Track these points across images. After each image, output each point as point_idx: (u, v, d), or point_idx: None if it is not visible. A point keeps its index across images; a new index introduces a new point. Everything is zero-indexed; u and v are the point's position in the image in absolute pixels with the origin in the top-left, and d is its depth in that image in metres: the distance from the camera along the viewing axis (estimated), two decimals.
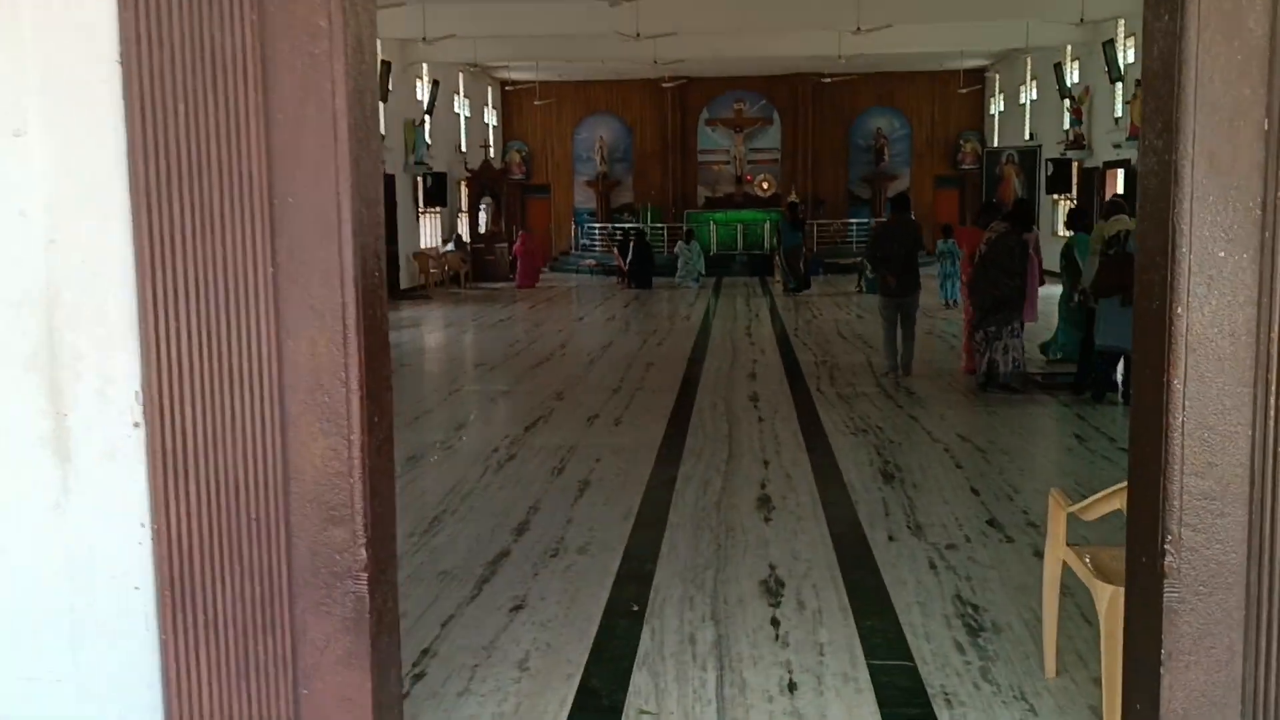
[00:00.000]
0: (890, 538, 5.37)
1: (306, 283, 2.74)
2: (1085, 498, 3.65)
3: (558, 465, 6.99)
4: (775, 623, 4.29)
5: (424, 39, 17.46)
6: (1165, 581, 2.66)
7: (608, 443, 7.66)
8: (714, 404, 9.10)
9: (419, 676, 3.83)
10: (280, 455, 2.77)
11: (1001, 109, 28.87)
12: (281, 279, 2.74)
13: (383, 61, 20.45)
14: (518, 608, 4.49)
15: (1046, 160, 22.82)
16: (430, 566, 5.04)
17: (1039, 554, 4.88)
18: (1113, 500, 3.31)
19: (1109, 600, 3.25)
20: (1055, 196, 23.16)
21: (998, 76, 29.04)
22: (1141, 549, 2.78)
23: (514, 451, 7.42)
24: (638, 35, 17.32)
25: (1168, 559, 2.66)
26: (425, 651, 4.04)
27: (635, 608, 4.47)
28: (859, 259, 20.86)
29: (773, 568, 4.94)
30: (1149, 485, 2.69)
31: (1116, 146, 19.04)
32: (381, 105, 21.35)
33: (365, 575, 2.82)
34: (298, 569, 2.82)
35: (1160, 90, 2.58)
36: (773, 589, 4.67)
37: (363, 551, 2.81)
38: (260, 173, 2.70)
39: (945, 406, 8.88)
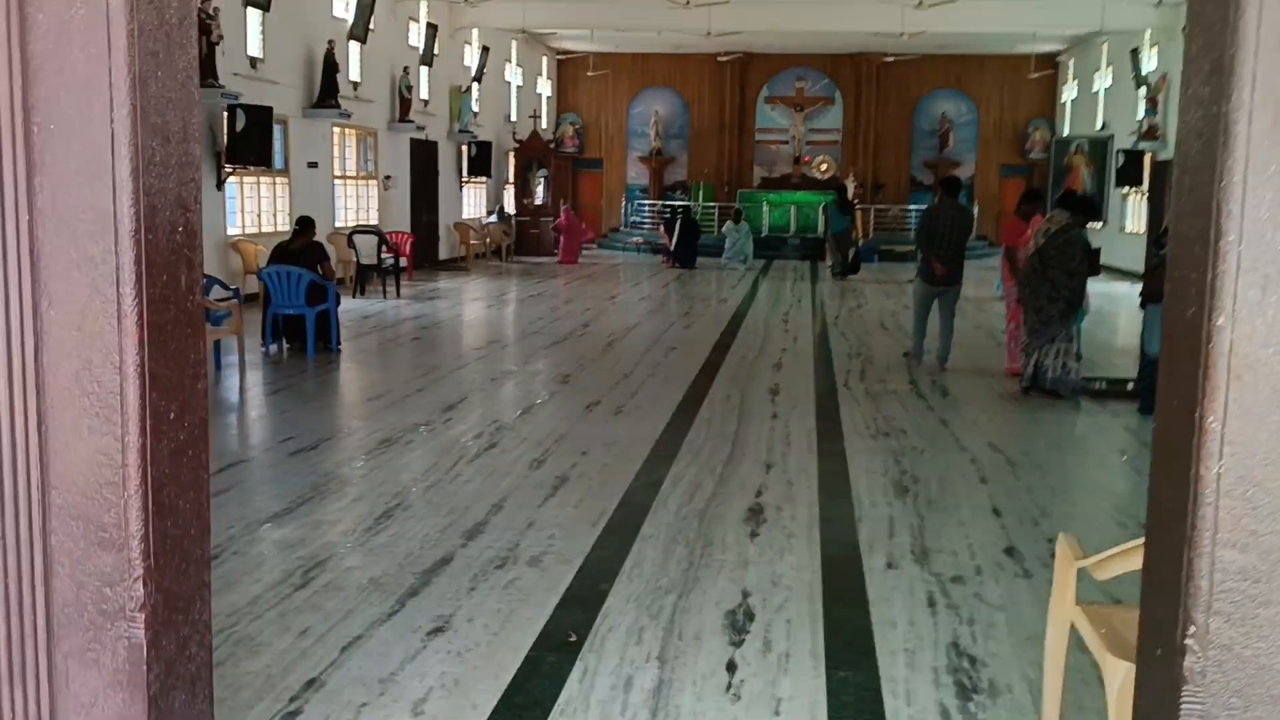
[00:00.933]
0: (889, 564, 4.68)
1: (73, 234, 2.13)
2: (1116, 537, 2.93)
3: (538, 457, 6.37)
4: (731, 668, 3.64)
5: (469, 0, 16.83)
6: (1185, 689, 1.96)
7: (600, 434, 7.02)
8: (728, 395, 8.42)
9: (291, 716, 3.24)
10: (36, 458, 2.17)
11: (1074, 96, 27.61)
12: (41, 228, 2.12)
13: (429, 24, 19.93)
14: (437, 631, 3.88)
15: (1118, 151, 21.64)
16: (359, 573, 4.45)
17: None
18: (1133, 558, 2.60)
19: (1122, 681, 2.55)
20: (1125, 189, 21.99)
21: (1071, 62, 27.76)
22: (1156, 640, 2.08)
23: (496, 439, 6.82)
24: (687, 2, 16.54)
25: (1189, 658, 1.95)
26: (311, 683, 3.45)
27: (572, 637, 3.84)
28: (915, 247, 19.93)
29: (746, 595, 4.28)
30: (1169, 558, 1.98)
31: None
32: (426, 69, 20.90)
33: (142, 615, 2.20)
34: (58, 604, 2.22)
35: (1210, 18, 1.86)
36: (739, 624, 4.00)
37: (139, 585, 2.20)
38: (13, 90, 2.09)
39: (981, 410, 8.11)
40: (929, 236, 9.75)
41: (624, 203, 30.18)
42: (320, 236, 16.01)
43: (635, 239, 27.37)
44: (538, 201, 24.90)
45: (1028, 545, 4.97)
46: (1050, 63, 27.84)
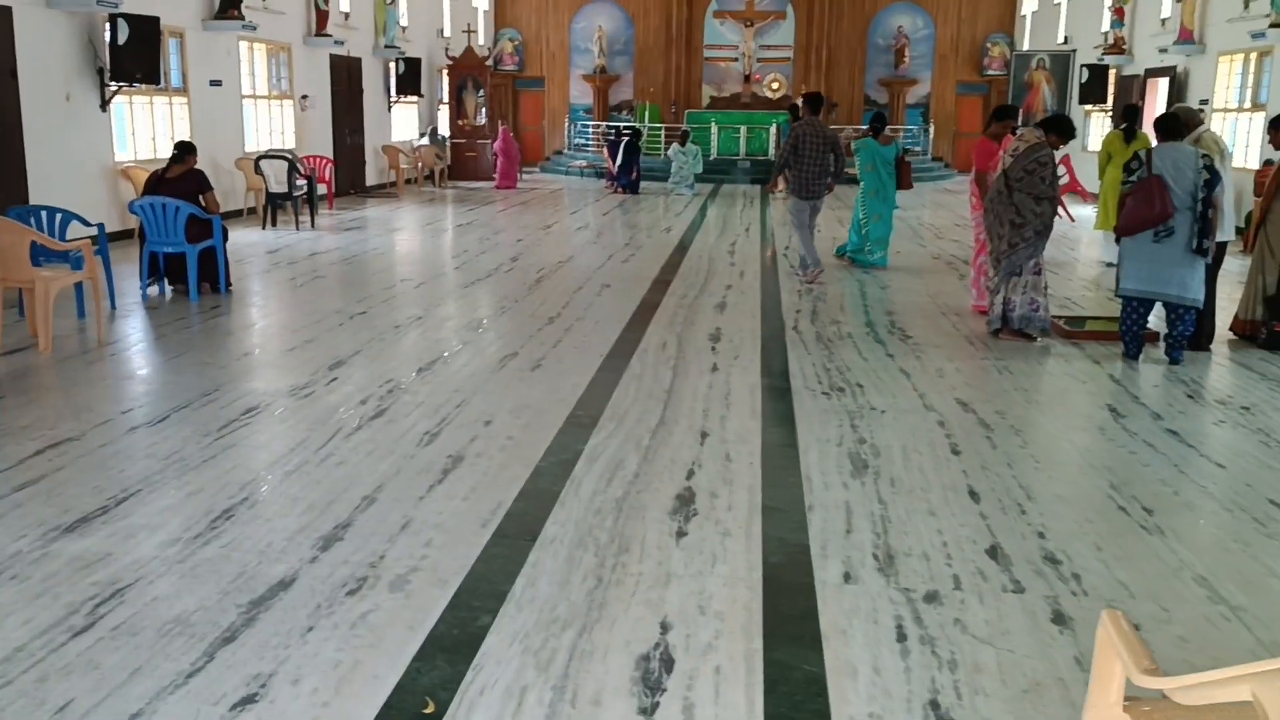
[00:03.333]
0: (847, 576, 3.74)
1: None
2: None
3: (431, 429, 5.36)
4: None
5: None
6: None
7: (511, 396, 6.01)
8: (664, 343, 7.43)
9: None
10: None
11: (1035, 9, 26.49)
12: None
13: None
14: (247, 701, 2.89)
15: (1081, 66, 20.66)
16: (165, 606, 3.44)
17: (1061, 620, 3.28)
18: (1239, 686, 1.65)
19: None
20: (1089, 107, 21.06)
21: None
22: None
23: (385, 405, 5.79)
24: None
25: None
26: None
27: (429, 708, 2.88)
28: None
29: (664, 630, 3.33)
30: None
31: (1162, 51, 16.93)
32: None
33: None
34: None
35: None
36: (653, 677, 3.06)
37: None
38: None
39: (946, 358, 7.20)
40: (795, 154, 9.98)
41: (567, 124, 28.78)
42: (227, 161, 14.70)
43: (579, 162, 26.08)
44: (475, 123, 23.50)
45: (1014, 543, 4.06)
46: None
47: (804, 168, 10.00)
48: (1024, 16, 27.37)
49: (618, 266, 11.21)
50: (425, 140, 22.65)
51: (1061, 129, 7.58)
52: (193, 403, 5.76)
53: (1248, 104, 14.97)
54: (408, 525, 4.13)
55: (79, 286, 7.79)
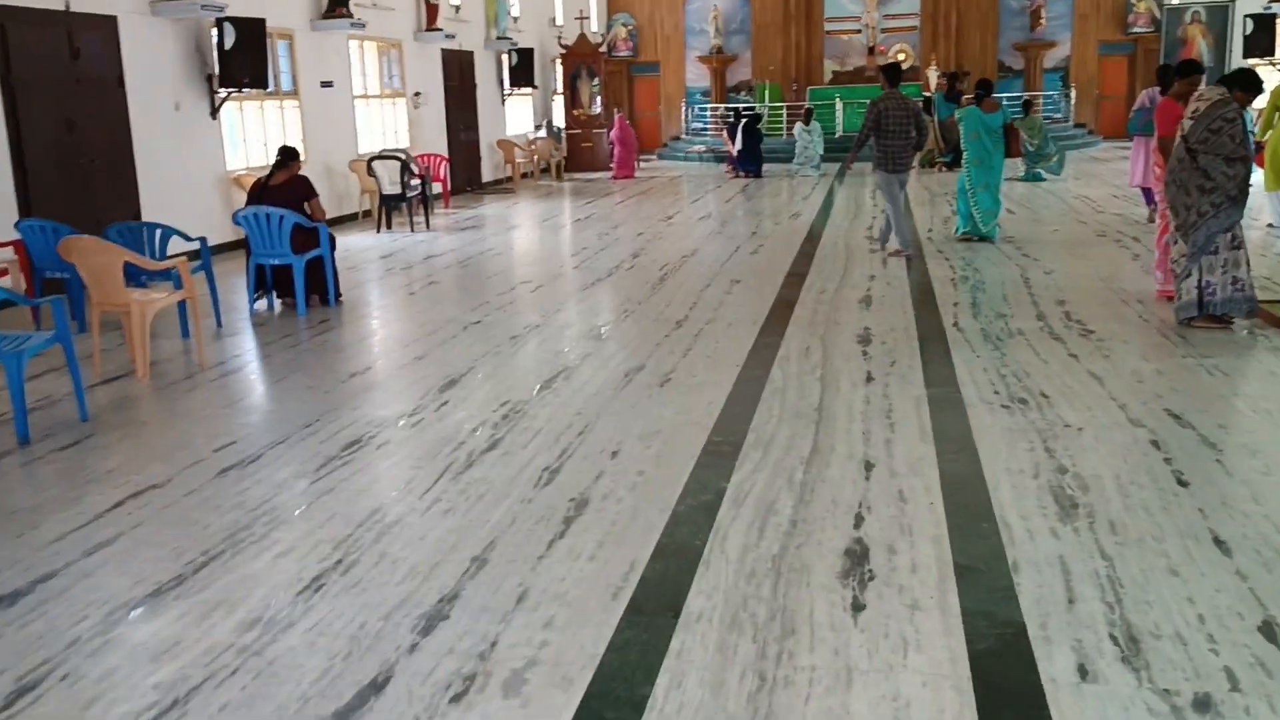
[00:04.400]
0: (1083, 671, 2.90)
1: None
2: None
3: (551, 465, 4.67)
4: None
5: None
6: None
7: (640, 419, 5.29)
8: (807, 348, 6.60)
9: None
10: None
11: None
12: None
13: None
14: None
15: (1245, 17, 18.88)
16: (231, 717, 2.82)
17: None
18: None
19: None
20: (1254, 60, 19.24)
21: None
22: None
23: (500, 434, 5.13)
24: None
25: None
26: None
27: None
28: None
29: None
30: None
31: None
32: None
33: None
34: None
35: None
36: None
37: None
38: None
39: (1140, 356, 6.20)
40: (878, 128, 9.74)
41: (684, 108, 27.97)
42: (341, 164, 14.39)
43: (697, 147, 25.25)
44: (590, 112, 22.91)
45: None
46: None
47: (888, 141, 9.78)
48: None
49: (746, 259, 10.40)
50: (541, 132, 22.17)
51: (1248, 83, 6.52)
52: (291, 436, 5.21)
53: None
54: (524, 597, 3.44)
55: (182, 305, 7.38)
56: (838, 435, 4.93)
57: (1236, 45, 20.02)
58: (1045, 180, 16.64)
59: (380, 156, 13.47)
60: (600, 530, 3.94)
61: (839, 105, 24.09)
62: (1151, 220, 12.32)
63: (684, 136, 27.15)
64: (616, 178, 20.86)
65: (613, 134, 21.36)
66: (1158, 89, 12.10)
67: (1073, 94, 26.02)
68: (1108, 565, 3.52)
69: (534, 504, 4.23)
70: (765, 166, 20.73)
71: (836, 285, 8.74)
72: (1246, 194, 6.48)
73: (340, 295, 8.73)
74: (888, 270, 9.43)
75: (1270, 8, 18.04)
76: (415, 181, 13.68)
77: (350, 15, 14.10)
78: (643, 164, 23.70)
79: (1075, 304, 7.64)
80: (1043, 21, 26.87)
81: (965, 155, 10.72)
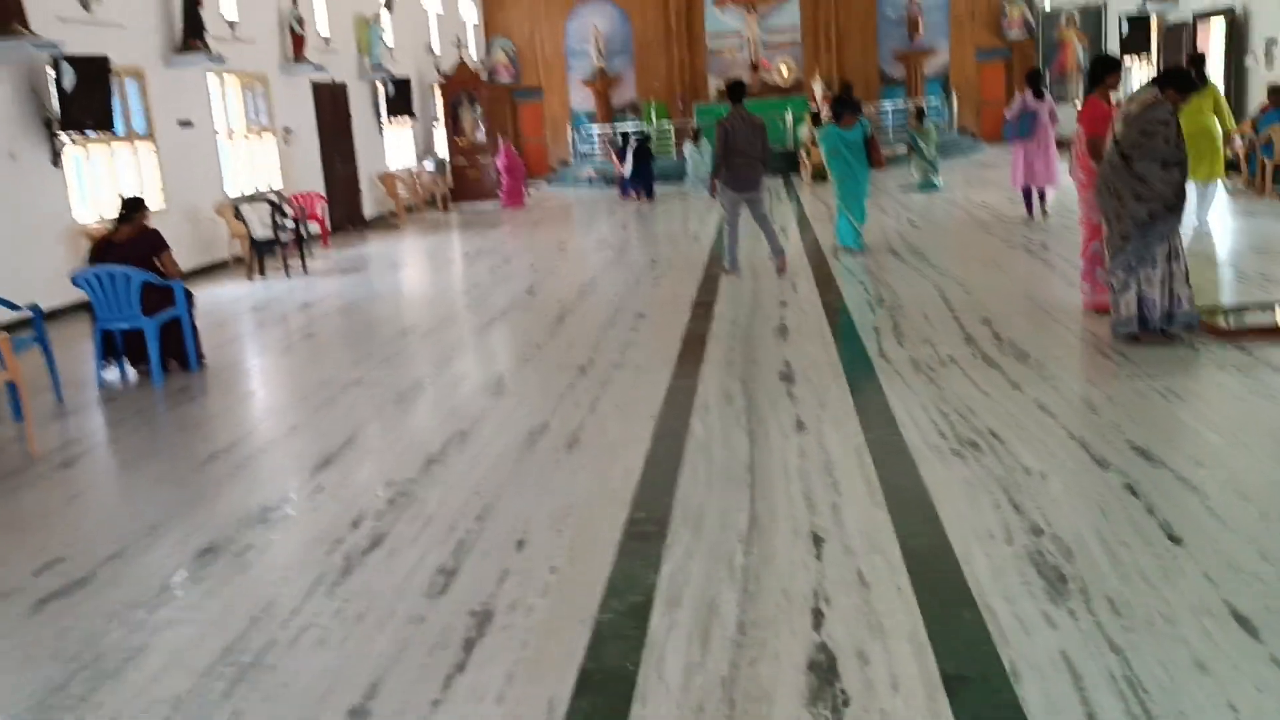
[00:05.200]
0: None
1: None
2: None
3: (447, 565, 3.93)
4: None
5: None
6: None
7: (546, 496, 4.57)
8: (727, 393, 5.98)
9: None
10: None
11: None
12: None
13: None
14: None
15: (1120, 17, 19.07)
16: None
17: None
18: None
19: None
20: (1129, 59, 19.45)
21: None
22: None
23: (384, 527, 4.36)
24: None
25: None
26: None
27: None
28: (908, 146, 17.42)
29: None
30: None
31: None
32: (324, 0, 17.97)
33: None
34: None
35: None
36: None
37: None
38: None
39: (1083, 380, 5.74)
40: (727, 146, 9.49)
41: (570, 132, 27.38)
42: (206, 208, 13.36)
43: (586, 171, 24.65)
44: (474, 140, 22.10)
45: None
46: None
47: (737, 159, 9.55)
48: None
49: (648, 289, 9.77)
50: (428, 164, 21.29)
51: (1181, 82, 6.12)
52: (131, 546, 4.36)
53: None
54: None
55: (11, 385, 6.41)
56: (777, 501, 4.29)
57: (1112, 46, 20.25)
58: (941, 189, 16.45)
59: (248, 199, 12.50)
60: (509, 657, 3.22)
61: None
62: (1031, 219, 12.44)
63: (572, 161, 26.54)
64: (506, 206, 20.11)
65: (499, 162, 20.61)
66: (1030, 93, 12.23)
67: (954, 100, 26.17)
68: (1121, 661, 2.93)
69: (427, 623, 3.48)
70: (657, 187, 20.24)
71: (748, 314, 8.16)
72: (1184, 201, 6.09)
73: (203, 358, 7.82)
74: (798, 294, 8.90)
75: (1145, 8, 18.23)
76: (288, 223, 12.75)
77: (207, 49, 13.11)
78: (532, 191, 23.00)
79: (1002, 322, 7.19)
80: (920, 30, 27.04)
81: (830, 173, 10.77)
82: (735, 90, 9.81)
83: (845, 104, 10.79)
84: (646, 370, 6.67)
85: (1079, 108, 7.12)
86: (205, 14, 13.22)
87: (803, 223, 14.25)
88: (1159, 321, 6.24)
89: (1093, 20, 20.79)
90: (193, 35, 12.99)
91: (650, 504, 4.37)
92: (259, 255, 12.51)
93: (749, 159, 9.54)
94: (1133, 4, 19.12)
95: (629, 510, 4.32)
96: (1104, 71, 7.15)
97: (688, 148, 20.35)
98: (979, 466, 4.51)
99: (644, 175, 19.49)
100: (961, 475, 4.42)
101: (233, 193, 13.99)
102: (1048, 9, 23.44)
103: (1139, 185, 6.11)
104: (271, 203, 12.32)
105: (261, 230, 12.33)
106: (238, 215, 12.37)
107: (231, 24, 14.40)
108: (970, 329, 7.07)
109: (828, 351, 6.80)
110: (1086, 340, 6.56)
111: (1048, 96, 12.29)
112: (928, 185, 16.67)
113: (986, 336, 6.83)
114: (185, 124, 13.14)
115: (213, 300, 10.98)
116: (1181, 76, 6.16)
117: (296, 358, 8.09)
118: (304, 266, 12.72)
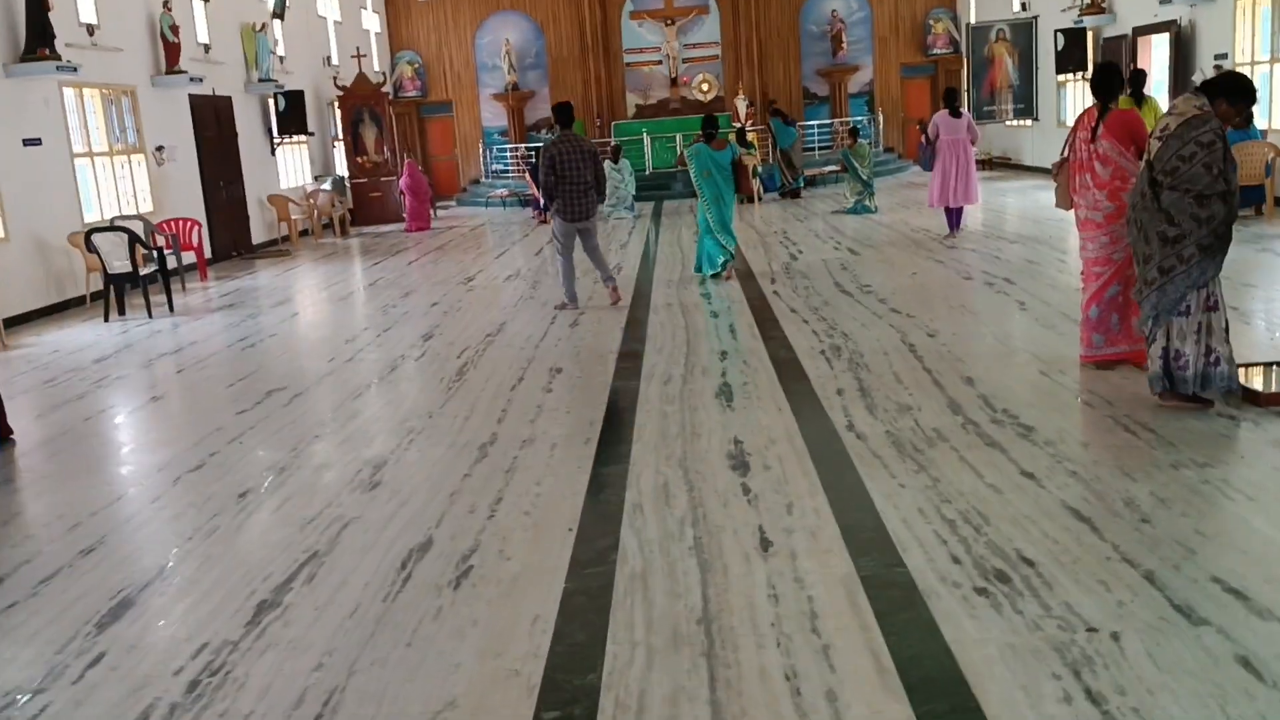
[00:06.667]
0: None
1: None
2: None
3: None
4: None
5: None
6: None
7: (420, 681, 3.21)
8: (665, 486, 4.68)
9: None
10: None
11: None
12: None
13: None
14: None
15: (1056, 32, 18.34)
16: None
17: None
18: None
19: None
20: (1063, 77, 18.75)
21: None
22: None
23: (193, 718, 2.96)
24: None
25: None
26: None
27: None
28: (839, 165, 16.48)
29: None
30: None
31: (1164, 2, 14.55)
32: (202, 5, 16.33)
33: None
34: None
35: None
36: None
37: None
38: None
39: (1113, 466, 4.55)
40: (556, 174, 8.99)
41: (482, 150, 25.96)
42: (59, 238, 11.69)
43: (499, 191, 23.27)
44: (375, 158, 20.58)
45: None
46: None
47: (567, 187, 9.03)
48: None
49: (565, 333, 8.45)
50: (325, 184, 19.68)
51: (1236, 91, 4.98)
52: None
53: None
54: None
55: None
56: (746, 683, 3.00)
57: (1043, 61, 19.54)
58: (875, 213, 15.44)
59: (100, 229, 10.88)
60: None
61: (647, 140, 22.59)
62: (951, 236, 12.04)
63: (484, 180, 25.12)
64: (410, 230, 18.63)
65: (402, 182, 19.13)
66: (946, 111, 11.94)
67: (880, 117, 25.37)
68: None
69: None
70: None
71: (683, 369, 6.88)
72: (1228, 242, 4.96)
73: (10, 433, 6.28)
74: (738, 340, 7.66)
75: (1080, 22, 17.48)
76: (153, 253, 11.17)
77: (58, 58, 11.47)
78: (441, 212, 21.55)
79: (986, 381, 6.02)
80: (844, 46, 26.21)
81: (701, 195, 10.35)
82: (562, 114, 9.28)
83: (713, 123, 10.51)
84: (563, 449, 5.34)
85: (1091, 119, 5.91)
86: (57, 18, 11.58)
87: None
88: (1192, 382, 5.11)
89: (1024, 34, 20.05)
90: (39, 41, 11.34)
91: (567, 688, 3.04)
92: (117, 293, 10.89)
93: (579, 187, 9.06)
94: (1065, 18, 18.40)
95: (535, 703, 2.99)
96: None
97: (607, 168, 19.08)
98: (1019, 618, 3.26)
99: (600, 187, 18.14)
100: (999, 635, 3.17)
101: (95, 220, 12.32)
102: (973, 22, 22.71)
103: (1165, 224, 4.99)
104: (128, 231, 10.71)
105: (118, 263, 10.71)
106: (90, 247, 10.73)
107: (90, 29, 12.74)
108: (952, 390, 5.88)
109: (784, 422, 5.54)
110: (1098, 408, 5.40)
111: (965, 115, 12.12)
112: (861, 208, 15.66)
113: (974, 401, 5.64)
114: (32, 142, 11.46)
115: (53, 348, 9.37)
116: (1238, 84, 5.00)
117: (127, 431, 6.59)
118: (170, 305, 11.11)
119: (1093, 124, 5.95)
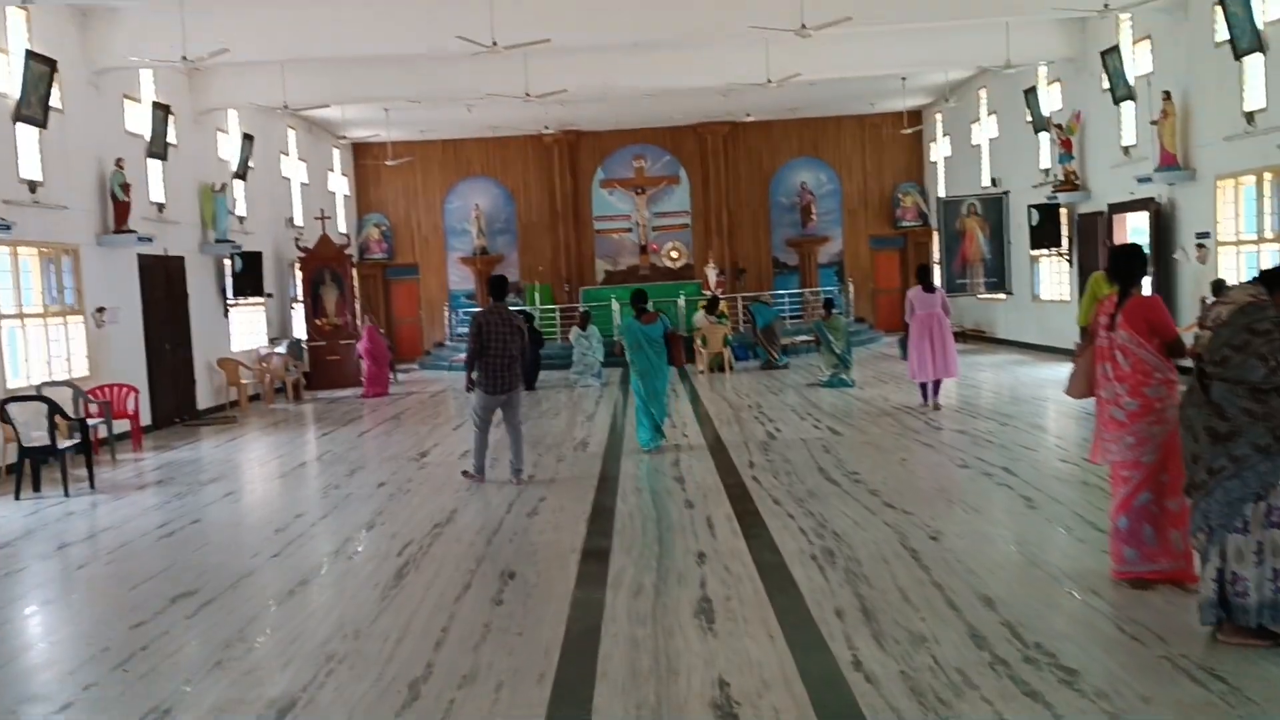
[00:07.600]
0: None
1: None
2: None
3: None
4: None
5: (185, 58, 12.06)
6: None
7: None
8: None
9: None
10: None
11: (948, 154, 24.52)
12: None
13: (156, 105, 14.98)
14: None
15: (1030, 207, 18.25)
16: None
17: None
18: None
19: None
20: (1038, 252, 18.58)
21: (939, 117, 24.75)
22: None
23: None
24: (494, 43, 12.23)
25: None
26: None
27: None
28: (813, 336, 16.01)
29: None
30: None
31: (1143, 181, 14.39)
32: (159, 163, 15.86)
33: None
34: None
35: None
36: None
37: None
38: None
39: (1174, 713, 3.69)
40: (480, 343, 8.89)
41: (447, 313, 25.46)
42: None
43: (462, 355, 22.55)
44: (335, 321, 19.92)
45: None
46: (917, 118, 24.67)
47: (491, 359, 8.93)
48: (934, 163, 25.42)
49: (521, 524, 7.56)
50: (280, 347, 18.93)
51: None
52: None
53: (1270, 233, 12.32)
54: None
55: None
56: None
57: (1015, 236, 19.44)
58: (851, 386, 14.84)
59: (17, 398, 9.99)
60: None
61: (615, 307, 22.13)
62: (925, 407, 11.98)
63: (449, 343, 24.51)
64: (367, 396, 17.82)
65: (361, 346, 18.42)
66: (920, 287, 12.02)
67: (850, 288, 25.20)
68: None
69: None
70: (541, 375, 18.29)
71: (655, 575, 6.00)
72: None
73: None
74: (717, 539, 6.80)
75: (1055, 198, 17.39)
76: (76, 424, 10.25)
77: None
78: (402, 375, 20.79)
79: (1009, 602, 5.18)
80: (814, 217, 26.30)
81: (633, 368, 10.42)
82: (496, 286, 9.30)
83: (642, 297, 10.65)
84: (510, 691, 4.40)
85: (1111, 303, 5.27)
86: None
87: (703, 420, 12.34)
88: (1257, 613, 4.31)
89: (995, 209, 20.01)
90: None
91: None
92: (33, 467, 9.92)
93: (504, 359, 8.94)
94: (1037, 194, 18.35)
95: None
96: (1137, 261, 5.37)
97: (574, 334, 18.54)
98: None
99: (528, 361, 17.48)
100: None
101: (18, 386, 11.42)
102: (942, 196, 22.78)
103: (1216, 419, 4.30)
104: (48, 400, 9.82)
105: (35, 434, 9.78)
106: (4, 417, 9.80)
107: (33, 185, 12.13)
108: (971, 615, 5.03)
109: (777, 655, 4.64)
110: (1148, 645, 4.55)
111: (939, 290, 12.38)
112: (837, 381, 15.07)
113: (998, 631, 4.78)
114: None
115: None
116: None
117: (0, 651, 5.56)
118: (91, 481, 10.12)
119: (1111, 311, 5.32)
